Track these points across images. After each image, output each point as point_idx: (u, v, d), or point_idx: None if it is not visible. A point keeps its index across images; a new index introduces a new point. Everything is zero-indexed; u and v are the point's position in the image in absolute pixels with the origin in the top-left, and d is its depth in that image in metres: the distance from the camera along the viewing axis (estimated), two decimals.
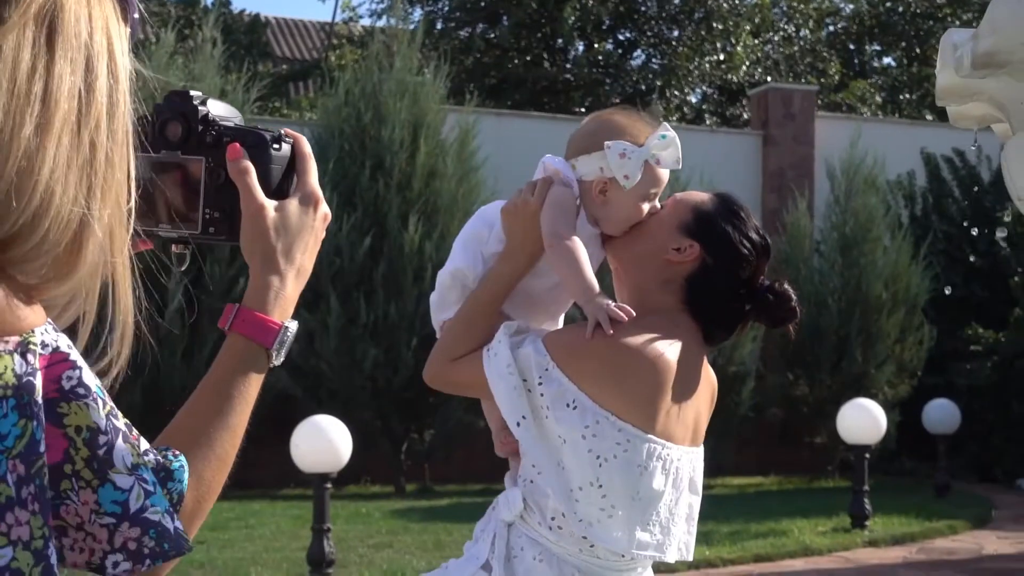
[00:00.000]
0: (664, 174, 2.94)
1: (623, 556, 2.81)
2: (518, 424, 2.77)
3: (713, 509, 12.34)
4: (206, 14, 15.17)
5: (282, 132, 1.74)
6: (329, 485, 8.65)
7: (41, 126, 1.26)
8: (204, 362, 13.18)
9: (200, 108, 1.72)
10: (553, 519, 2.79)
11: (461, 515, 11.32)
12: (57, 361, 1.30)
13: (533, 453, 2.78)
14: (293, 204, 1.71)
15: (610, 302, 2.79)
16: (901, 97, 25.07)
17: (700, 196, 3.01)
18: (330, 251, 13.60)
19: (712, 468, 14.94)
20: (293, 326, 1.69)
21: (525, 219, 2.90)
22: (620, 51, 23.59)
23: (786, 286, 2.96)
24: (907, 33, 25.20)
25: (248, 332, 1.65)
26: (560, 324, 3.08)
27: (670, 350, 2.79)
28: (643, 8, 23.22)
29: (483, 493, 12.83)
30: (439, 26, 22.81)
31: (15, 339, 1.26)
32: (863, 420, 11.46)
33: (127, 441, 1.38)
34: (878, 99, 24.34)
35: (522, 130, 16.42)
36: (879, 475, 14.28)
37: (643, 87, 22.05)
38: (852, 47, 25.85)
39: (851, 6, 25.72)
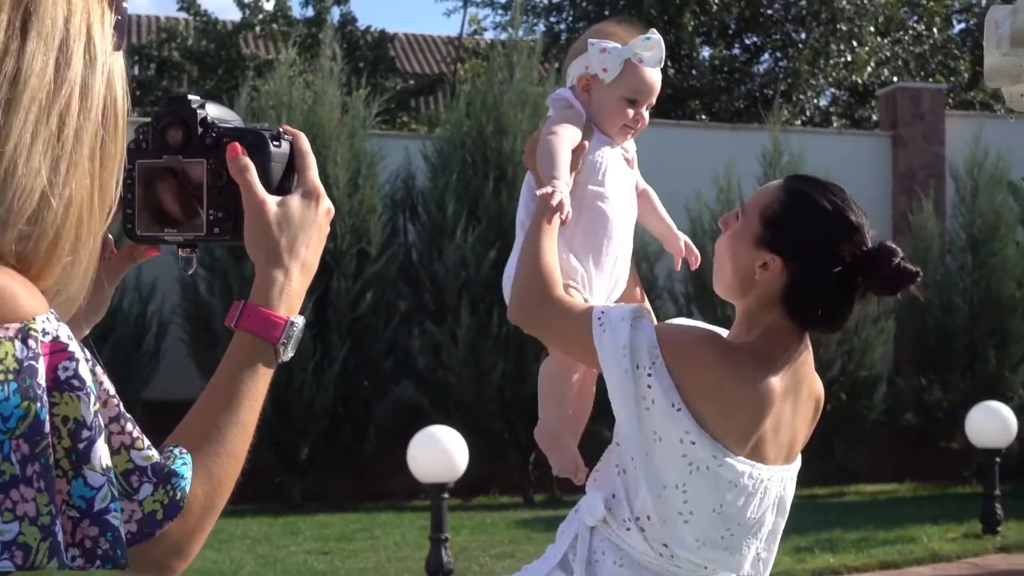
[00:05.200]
0: (650, 75, 3.00)
1: (697, 563, 2.80)
2: (622, 407, 2.74)
3: (842, 517, 12.21)
4: (329, 31, 15.35)
5: (281, 130, 1.78)
6: (446, 495, 8.71)
7: (9, 103, 1.33)
8: (334, 377, 13.37)
9: (199, 112, 1.76)
10: (638, 519, 2.77)
11: None
12: (57, 351, 1.34)
13: (628, 437, 2.76)
14: (295, 200, 1.74)
15: (562, 193, 2.84)
16: None
17: (766, 196, 2.85)
18: (456, 263, 13.69)
19: (846, 475, 14.87)
20: (300, 321, 1.71)
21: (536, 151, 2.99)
22: (747, 56, 23.39)
23: (888, 244, 2.75)
24: None
25: (254, 328, 1.68)
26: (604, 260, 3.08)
27: (774, 378, 2.74)
28: (768, 12, 23.00)
29: None
30: (563, 38, 22.82)
31: (15, 326, 1.31)
32: (993, 423, 11.21)
33: (128, 436, 1.42)
34: None
35: (645, 137, 16.33)
36: (1019, 480, 13.96)
37: (769, 91, 21.83)
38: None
39: (983, 1, 25.21)
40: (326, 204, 1.77)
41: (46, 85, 1.36)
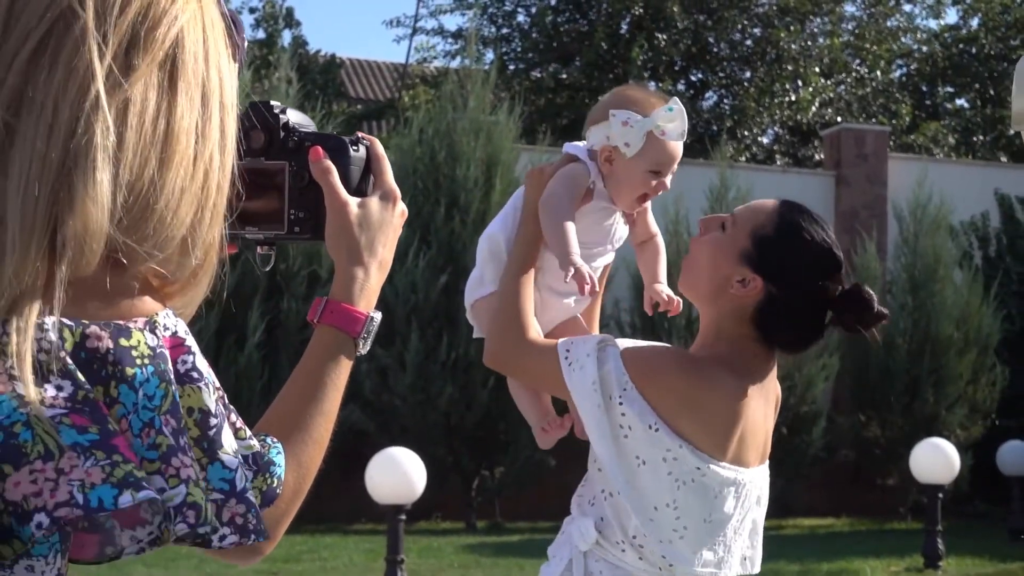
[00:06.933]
0: (673, 147, 2.94)
1: (695, 574, 2.86)
2: (599, 443, 2.81)
3: (783, 548, 12.32)
4: (283, 54, 15.38)
5: (359, 135, 1.85)
6: (403, 517, 8.74)
7: (163, 161, 1.39)
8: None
9: (281, 116, 1.83)
10: (635, 537, 2.82)
11: (533, 550, 11.34)
12: (176, 345, 1.41)
13: (610, 471, 2.82)
14: (374, 201, 1.82)
15: (584, 268, 2.83)
16: (974, 139, 24.94)
17: (760, 215, 2.92)
18: (407, 288, 13.74)
19: (783, 508, 15.02)
20: (377, 316, 1.79)
21: (539, 185, 2.99)
22: (692, 92, 23.66)
23: (866, 290, 2.87)
24: (980, 75, 25.08)
25: (336, 322, 1.75)
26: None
27: (744, 383, 2.82)
28: (715, 49, 23.30)
29: (553, 530, 12.68)
30: (512, 67, 22.98)
31: (143, 319, 1.38)
32: (936, 460, 11.41)
33: (232, 426, 1.48)
34: (951, 140, 24.23)
35: None
36: (952, 518, 14.18)
37: (714, 127, 22.09)
38: (924, 88, 25.75)
39: (924, 48, 25.64)
40: (401, 206, 1.86)
41: (193, 141, 1.42)
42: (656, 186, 2.96)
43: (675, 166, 2.98)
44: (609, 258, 3.13)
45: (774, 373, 2.95)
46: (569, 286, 3.00)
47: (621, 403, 2.78)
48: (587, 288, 2.83)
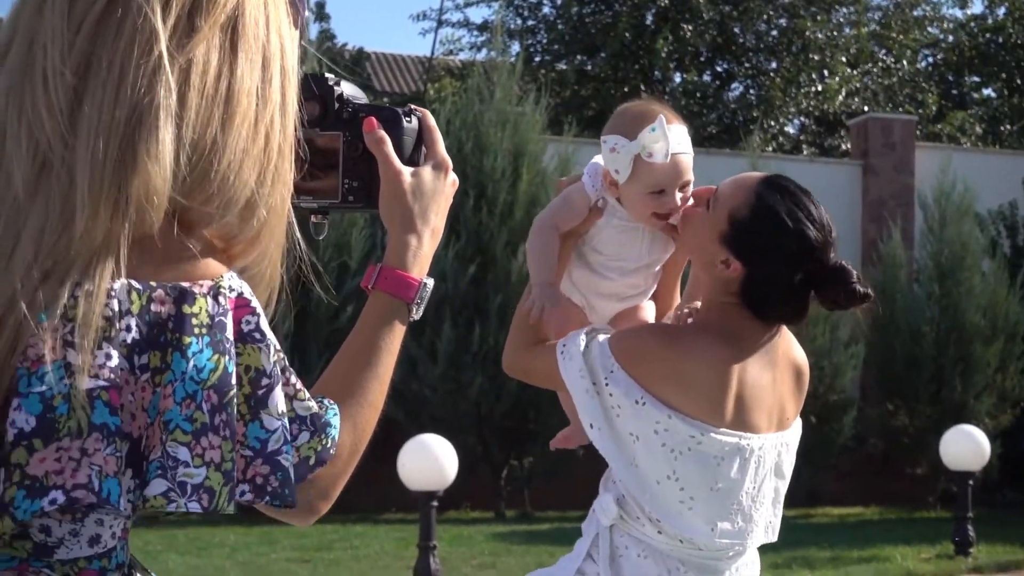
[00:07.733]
0: (663, 168, 2.86)
1: (716, 545, 2.88)
2: (591, 426, 2.86)
3: (814, 536, 12.35)
4: (310, 47, 15.43)
5: (411, 107, 1.88)
6: (435, 503, 8.79)
7: (225, 121, 1.44)
8: (309, 388, 13.38)
9: (335, 88, 1.86)
10: (651, 511, 2.86)
11: (563, 539, 11.36)
12: (241, 306, 1.45)
13: (607, 454, 2.87)
14: (427, 170, 1.84)
15: (554, 297, 2.93)
16: (1002, 128, 24.86)
17: (738, 195, 2.90)
18: (436, 278, 13.71)
19: (812, 497, 15.04)
20: (430, 283, 1.81)
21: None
22: (718, 82, 23.65)
23: (845, 266, 2.85)
24: (1007, 64, 25.01)
25: (390, 288, 1.78)
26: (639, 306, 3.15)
27: (733, 349, 2.84)
28: (741, 40, 23.29)
29: (583, 519, 12.86)
30: (537, 59, 23.01)
31: (208, 283, 1.42)
32: (966, 447, 11.39)
33: (291, 388, 1.52)
34: (978, 130, 24.17)
35: None
36: (980, 507, 14.15)
37: (741, 118, 22.08)
38: (951, 78, 25.68)
39: (950, 37, 25.57)
40: (452, 176, 1.88)
41: (254, 103, 1.47)
42: (664, 204, 2.91)
43: (685, 178, 2.91)
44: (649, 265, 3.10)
45: (779, 339, 2.95)
46: (612, 289, 3.07)
47: (607, 384, 2.84)
48: (534, 314, 2.92)
